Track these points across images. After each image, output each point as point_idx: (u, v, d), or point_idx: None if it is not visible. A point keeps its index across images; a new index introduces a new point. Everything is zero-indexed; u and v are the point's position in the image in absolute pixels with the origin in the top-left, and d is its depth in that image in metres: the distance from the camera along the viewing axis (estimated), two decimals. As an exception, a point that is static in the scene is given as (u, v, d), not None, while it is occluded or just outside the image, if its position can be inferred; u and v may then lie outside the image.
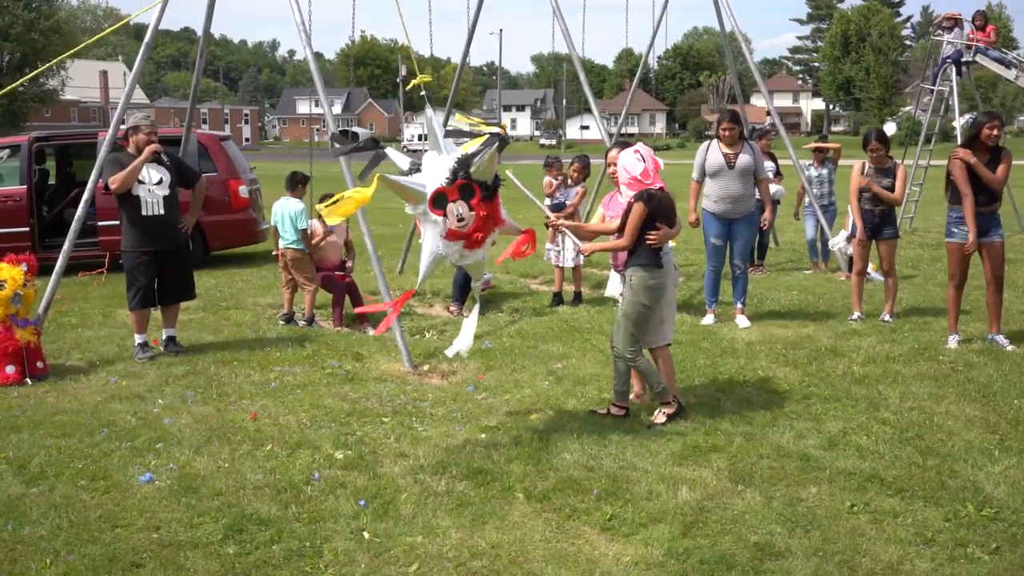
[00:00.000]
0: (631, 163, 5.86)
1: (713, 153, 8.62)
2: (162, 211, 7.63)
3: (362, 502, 4.68)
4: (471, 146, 5.17)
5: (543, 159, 10.53)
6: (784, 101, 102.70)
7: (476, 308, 5.85)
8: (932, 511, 4.54)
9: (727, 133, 8.57)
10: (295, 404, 6.35)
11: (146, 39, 8.75)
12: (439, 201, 5.09)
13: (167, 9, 8.56)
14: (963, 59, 16.53)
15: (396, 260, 12.24)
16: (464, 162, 5.08)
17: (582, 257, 9.91)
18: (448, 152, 5.17)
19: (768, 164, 12.06)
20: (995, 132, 7.55)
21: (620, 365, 6.01)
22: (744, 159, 8.49)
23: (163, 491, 4.87)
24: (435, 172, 5.14)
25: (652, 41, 13.28)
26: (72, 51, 13.83)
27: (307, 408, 6.26)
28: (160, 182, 7.64)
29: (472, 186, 5.11)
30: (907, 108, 68.27)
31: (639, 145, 5.98)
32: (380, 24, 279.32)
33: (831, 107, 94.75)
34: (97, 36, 13.71)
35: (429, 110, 5.33)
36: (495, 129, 5.29)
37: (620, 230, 5.94)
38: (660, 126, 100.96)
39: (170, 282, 7.79)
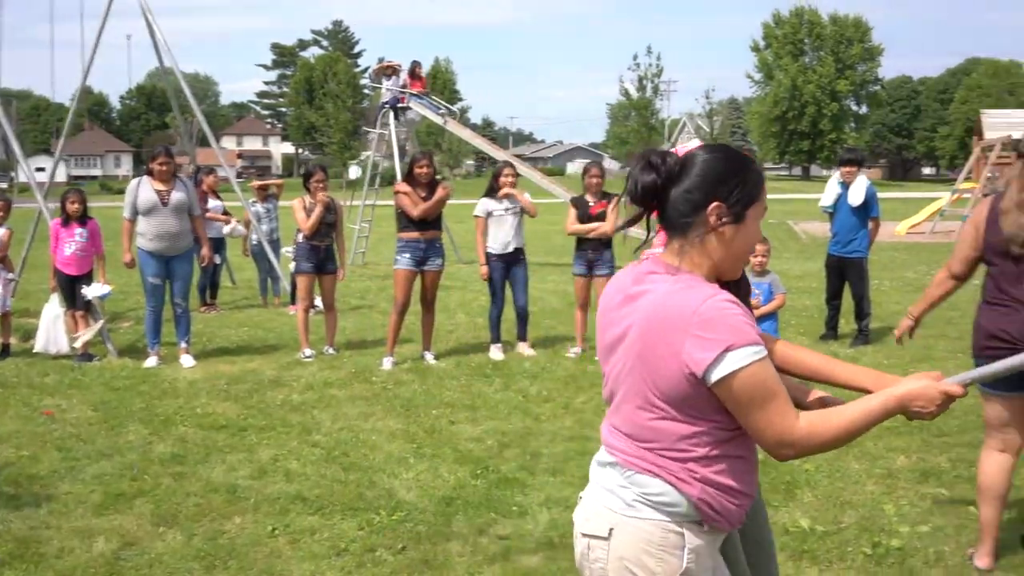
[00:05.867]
0: None
1: (145, 190, 8.34)
2: None
3: None
4: None
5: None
6: (254, 144, 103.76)
7: None
8: (349, 522, 4.75)
9: (164, 168, 8.37)
10: None
11: None
12: None
13: None
14: (399, 104, 17.94)
15: None
16: None
17: (9, 303, 9.07)
18: None
19: (216, 204, 12.08)
20: (425, 170, 8.36)
21: None
22: (177, 196, 8.33)
23: None
24: None
25: (84, 78, 12.47)
26: None
27: None
28: None
29: None
30: (368, 153, 72.59)
31: None
32: None
33: (299, 151, 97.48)
34: None
35: None
36: None
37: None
38: (126, 168, 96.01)
39: None
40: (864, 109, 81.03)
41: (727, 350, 1.98)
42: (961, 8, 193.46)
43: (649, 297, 2.11)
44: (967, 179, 27.35)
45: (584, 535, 2.23)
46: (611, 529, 2.15)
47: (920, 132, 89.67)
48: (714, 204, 2.10)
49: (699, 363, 2.00)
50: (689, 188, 2.12)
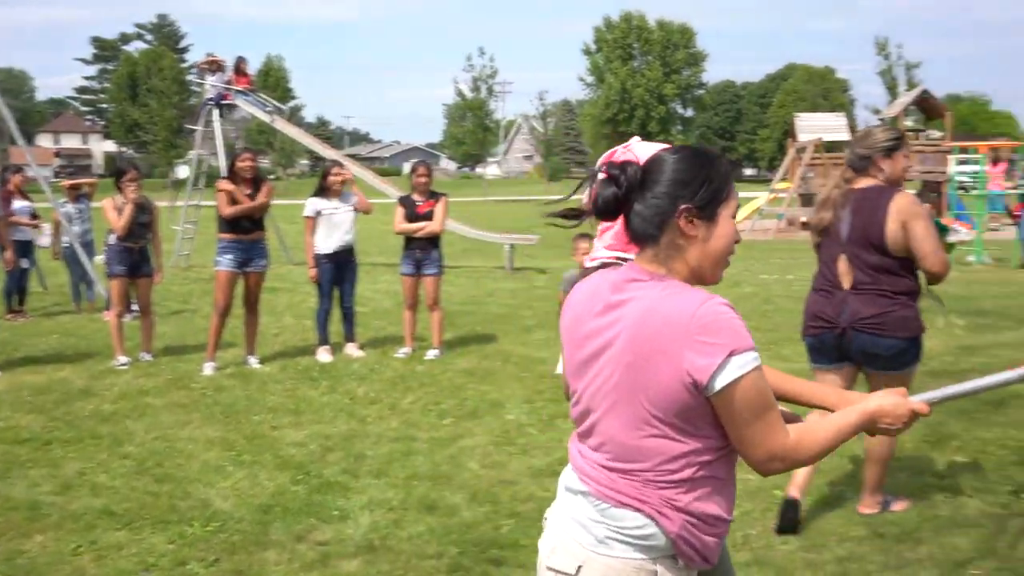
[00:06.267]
0: None
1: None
2: None
3: None
4: None
5: None
6: (74, 142, 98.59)
7: None
8: (159, 536, 4.55)
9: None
10: None
11: None
12: None
13: None
14: (224, 101, 17.41)
15: None
16: None
17: None
18: None
19: (24, 204, 11.43)
20: (247, 163, 8.23)
21: None
22: (-26, 195, 7.82)
23: None
24: None
25: None
26: None
27: None
28: None
29: None
30: (194, 151, 70.12)
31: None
32: None
33: (122, 149, 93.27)
34: None
35: None
36: None
37: None
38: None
39: None
40: (690, 112, 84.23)
41: (730, 355, 1.86)
42: (781, 17, 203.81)
43: (637, 304, 1.95)
44: (783, 179, 28.81)
45: (549, 568, 2.07)
46: (579, 566, 1.99)
47: (742, 134, 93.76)
48: (682, 207, 1.96)
49: (702, 370, 1.86)
50: (655, 194, 1.98)
